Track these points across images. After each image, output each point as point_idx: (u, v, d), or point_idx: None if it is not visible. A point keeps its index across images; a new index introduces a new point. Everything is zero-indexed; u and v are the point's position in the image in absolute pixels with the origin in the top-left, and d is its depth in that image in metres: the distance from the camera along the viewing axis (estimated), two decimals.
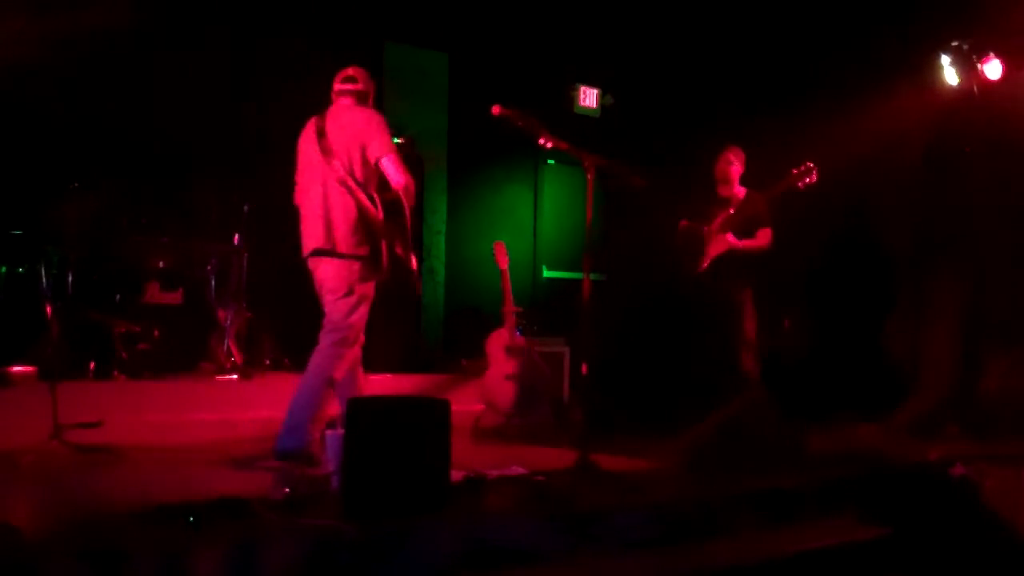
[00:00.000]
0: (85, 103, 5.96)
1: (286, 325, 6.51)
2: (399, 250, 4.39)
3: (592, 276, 4.42)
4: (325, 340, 4.35)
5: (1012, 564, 4.41)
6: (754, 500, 3.83)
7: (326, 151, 4.36)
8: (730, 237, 5.84)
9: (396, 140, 7.36)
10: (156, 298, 5.87)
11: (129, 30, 5.82)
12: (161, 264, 5.92)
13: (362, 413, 3.23)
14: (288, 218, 6.86)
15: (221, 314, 6.01)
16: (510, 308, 5.86)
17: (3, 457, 4.04)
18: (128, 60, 6.10)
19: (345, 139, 4.37)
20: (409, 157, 7.42)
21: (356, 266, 4.32)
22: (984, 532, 4.49)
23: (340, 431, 3.39)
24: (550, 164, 8.47)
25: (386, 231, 4.35)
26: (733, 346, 5.92)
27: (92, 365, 5.44)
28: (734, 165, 6.03)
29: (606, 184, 6.93)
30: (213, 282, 6.11)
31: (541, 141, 4.64)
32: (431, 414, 3.33)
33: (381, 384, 5.89)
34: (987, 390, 6.13)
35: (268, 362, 6.30)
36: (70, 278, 5.45)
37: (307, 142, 4.51)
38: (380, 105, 7.55)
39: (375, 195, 4.37)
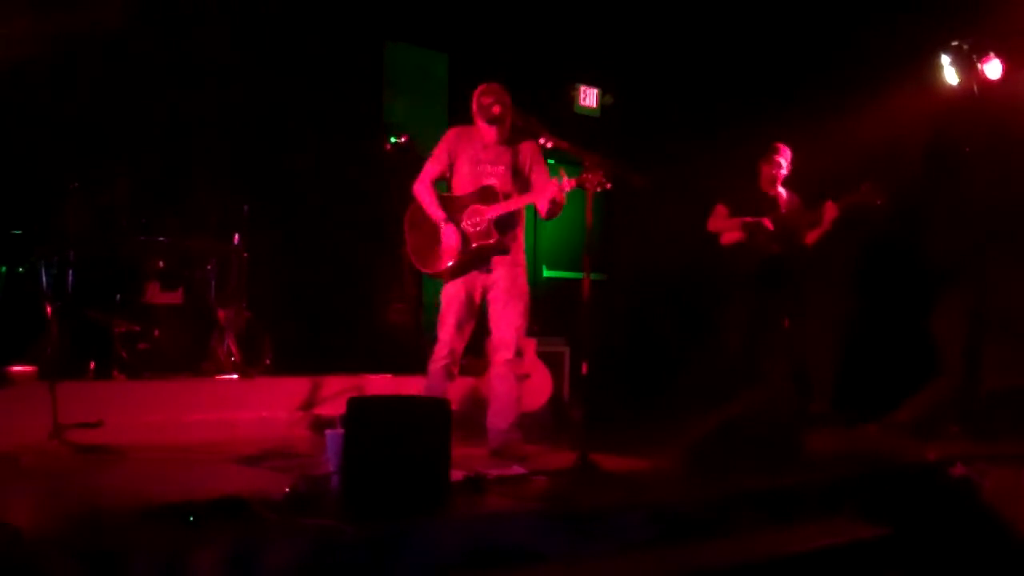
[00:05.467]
0: (85, 103, 5.96)
1: (286, 325, 6.51)
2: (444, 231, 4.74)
3: (592, 276, 4.42)
4: None
5: (1012, 564, 4.41)
6: (754, 500, 3.83)
7: None
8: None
9: (396, 139, 7.44)
10: (156, 298, 5.86)
11: (129, 29, 5.82)
12: (161, 264, 5.91)
13: (362, 413, 3.23)
14: (288, 218, 6.91)
15: (221, 314, 6.00)
16: None
17: (3, 457, 4.04)
18: (128, 60, 6.10)
19: None
20: (409, 157, 7.45)
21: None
22: (984, 532, 4.49)
23: (340, 431, 3.39)
24: (550, 164, 8.45)
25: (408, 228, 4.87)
26: (772, 342, 5.94)
27: (92, 365, 5.43)
28: (783, 165, 6.04)
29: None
30: (213, 282, 6.10)
31: (541, 141, 4.66)
32: (431, 414, 3.33)
33: (381, 384, 5.90)
34: (988, 390, 6.13)
35: (268, 362, 6.30)
36: (70, 278, 5.45)
37: None
38: (380, 105, 7.63)
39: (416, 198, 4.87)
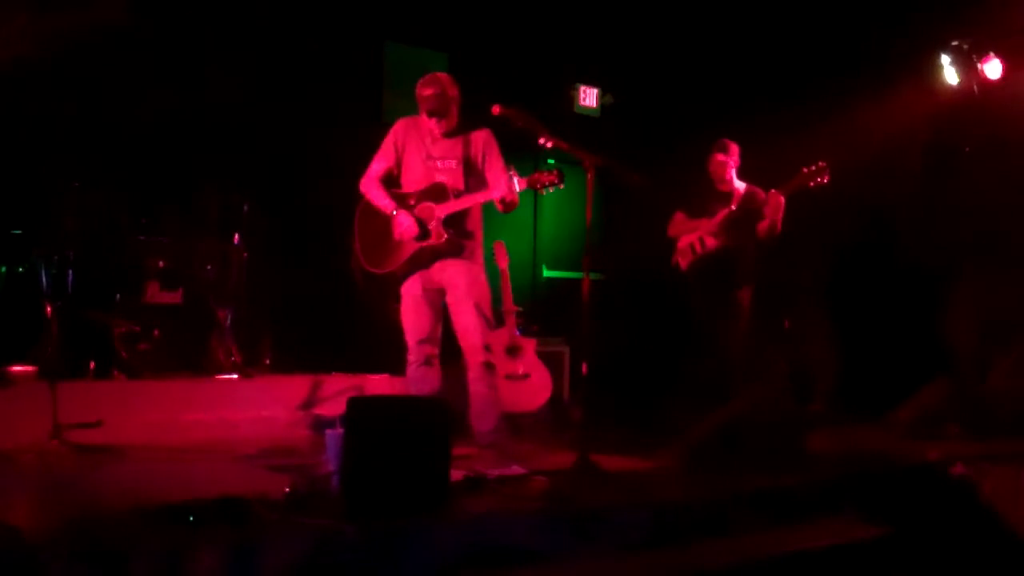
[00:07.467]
0: (85, 102, 5.96)
1: (286, 325, 6.51)
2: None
3: (592, 276, 4.42)
4: None
5: (1012, 564, 4.41)
6: (754, 500, 3.83)
7: None
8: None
9: None
10: (156, 298, 5.86)
11: (129, 29, 5.82)
12: (161, 264, 5.92)
13: (362, 413, 3.24)
14: (288, 218, 6.91)
15: (221, 314, 6.01)
16: (510, 308, 5.86)
17: (3, 457, 4.05)
18: (128, 59, 6.10)
19: None
20: None
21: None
22: (984, 532, 4.49)
23: (340, 431, 3.40)
24: (550, 164, 8.47)
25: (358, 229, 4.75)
26: (745, 345, 5.94)
27: (92, 365, 5.44)
28: (728, 160, 6.03)
29: (606, 184, 6.93)
30: (213, 282, 6.10)
31: (541, 141, 4.64)
32: (431, 414, 3.33)
33: (381, 384, 5.90)
34: (988, 389, 6.13)
35: (268, 362, 6.30)
36: (70, 278, 5.45)
37: None
38: (380, 105, 7.62)
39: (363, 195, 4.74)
